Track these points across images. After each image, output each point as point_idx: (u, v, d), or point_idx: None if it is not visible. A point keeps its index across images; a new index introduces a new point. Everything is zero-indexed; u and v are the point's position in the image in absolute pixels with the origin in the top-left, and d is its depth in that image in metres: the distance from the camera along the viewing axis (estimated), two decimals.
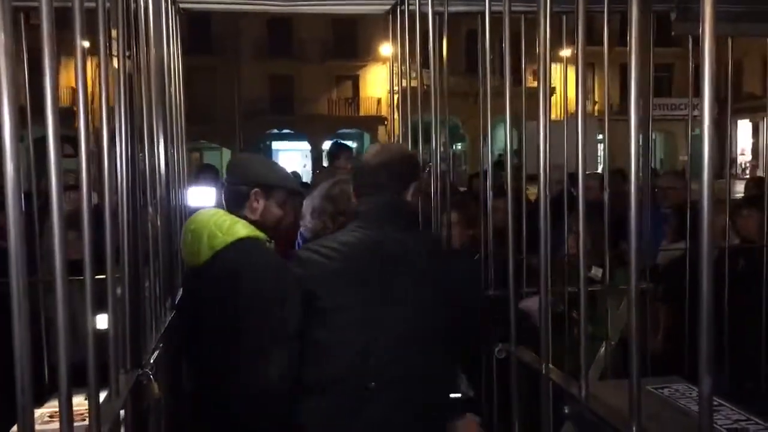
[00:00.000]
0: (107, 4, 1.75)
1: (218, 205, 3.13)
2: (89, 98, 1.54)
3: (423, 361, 2.11)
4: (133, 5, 2.23)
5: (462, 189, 7.39)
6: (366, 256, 2.15)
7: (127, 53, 2.02)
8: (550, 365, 1.88)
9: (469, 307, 2.41)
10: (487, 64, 2.73)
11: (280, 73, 33.53)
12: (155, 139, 2.49)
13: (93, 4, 1.65)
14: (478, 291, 2.79)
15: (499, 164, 6.25)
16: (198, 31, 30.07)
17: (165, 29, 2.98)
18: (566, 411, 1.69)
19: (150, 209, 2.37)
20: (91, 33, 1.67)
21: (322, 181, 6.66)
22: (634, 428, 1.35)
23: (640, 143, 1.39)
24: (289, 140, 35.24)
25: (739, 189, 7.86)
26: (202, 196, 5.24)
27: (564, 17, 3.23)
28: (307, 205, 3.08)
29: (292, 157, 33.41)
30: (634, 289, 1.36)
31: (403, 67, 3.73)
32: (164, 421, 2.41)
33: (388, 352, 2.07)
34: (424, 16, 3.18)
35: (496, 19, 2.51)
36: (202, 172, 6.01)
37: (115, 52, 1.96)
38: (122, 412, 1.92)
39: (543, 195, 1.83)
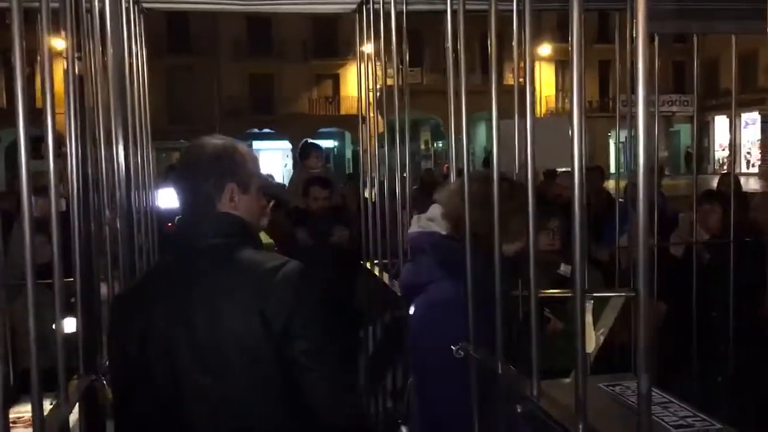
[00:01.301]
0: (52, 5, 1.72)
1: None
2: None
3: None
4: (86, 5, 2.20)
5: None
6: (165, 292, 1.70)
7: (77, 54, 1.99)
8: (509, 365, 1.88)
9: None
10: (450, 63, 2.72)
11: (260, 72, 33.39)
12: (113, 141, 2.45)
13: (36, 5, 1.62)
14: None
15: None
16: (177, 30, 29.88)
17: (126, 29, 2.94)
18: (519, 410, 1.69)
19: (107, 212, 2.34)
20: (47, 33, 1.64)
21: (297, 181, 6.58)
22: (579, 426, 1.35)
23: (584, 139, 1.39)
24: (269, 140, 35.06)
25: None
26: (173, 198, 5.14)
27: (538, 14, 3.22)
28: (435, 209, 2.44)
29: (273, 156, 33.23)
30: (579, 283, 1.36)
31: (371, 65, 3.73)
32: None
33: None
34: (388, 15, 3.17)
35: (473, 17, 2.49)
36: (169, 173, 5.70)
37: (64, 54, 1.93)
38: (77, 419, 1.90)
39: (496, 193, 1.83)
